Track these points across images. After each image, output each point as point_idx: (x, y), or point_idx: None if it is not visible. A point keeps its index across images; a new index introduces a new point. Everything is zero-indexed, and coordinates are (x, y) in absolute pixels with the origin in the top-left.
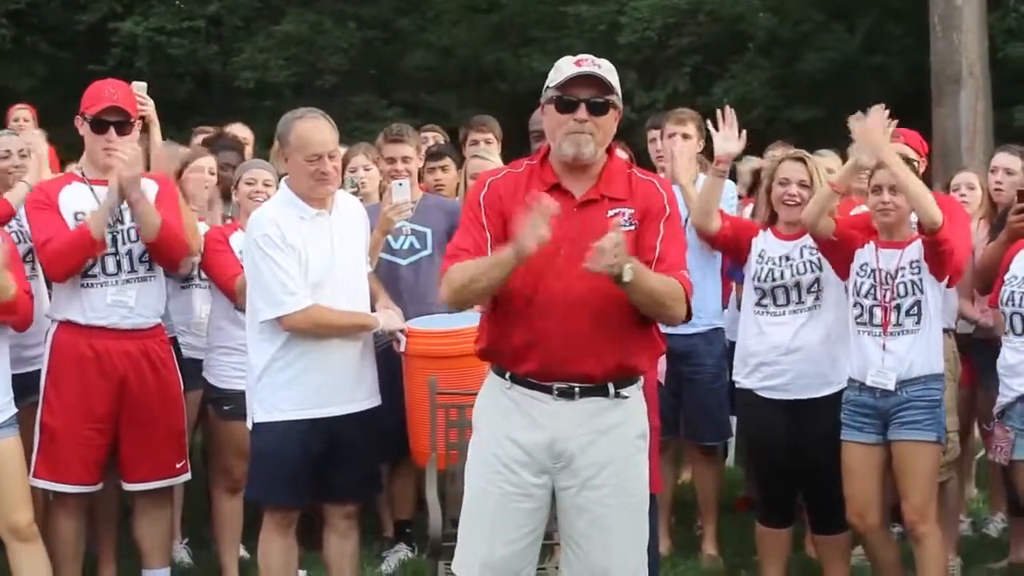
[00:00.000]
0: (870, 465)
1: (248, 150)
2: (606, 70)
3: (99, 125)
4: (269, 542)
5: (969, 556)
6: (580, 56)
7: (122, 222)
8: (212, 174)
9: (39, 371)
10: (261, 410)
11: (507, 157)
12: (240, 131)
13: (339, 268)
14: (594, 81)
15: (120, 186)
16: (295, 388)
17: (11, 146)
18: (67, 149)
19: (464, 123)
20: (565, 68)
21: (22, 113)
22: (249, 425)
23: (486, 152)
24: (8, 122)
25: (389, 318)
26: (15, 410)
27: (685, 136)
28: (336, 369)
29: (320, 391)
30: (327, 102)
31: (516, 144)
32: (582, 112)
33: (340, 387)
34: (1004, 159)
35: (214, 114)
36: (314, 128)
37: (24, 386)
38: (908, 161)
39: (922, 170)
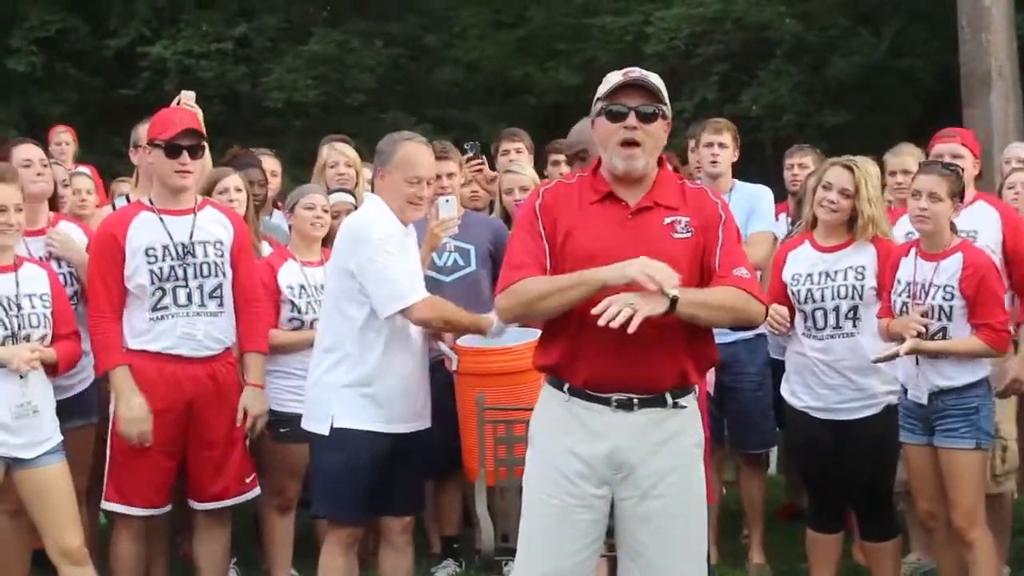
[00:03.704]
0: (927, 465)
1: (276, 181)
2: (654, 80)
3: (174, 150)
4: (332, 561)
5: (1017, 560)
6: (628, 69)
7: (194, 255)
8: (240, 191)
9: (80, 394)
10: (343, 416)
11: (537, 171)
12: (268, 163)
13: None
14: (642, 90)
15: None
16: (382, 402)
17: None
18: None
19: (496, 135)
20: (613, 79)
21: (63, 137)
22: (321, 430)
23: (519, 166)
24: (51, 145)
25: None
26: (61, 437)
27: (722, 145)
28: (413, 386)
29: (403, 406)
30: (356, 120)
31: (545, 158)
32: (632, 120)
33: (415, 404)
34: None
35: (243, 135)
36: (422, 152)
37: (66, 410)
38: (956, 159)
39: (976, 171)
